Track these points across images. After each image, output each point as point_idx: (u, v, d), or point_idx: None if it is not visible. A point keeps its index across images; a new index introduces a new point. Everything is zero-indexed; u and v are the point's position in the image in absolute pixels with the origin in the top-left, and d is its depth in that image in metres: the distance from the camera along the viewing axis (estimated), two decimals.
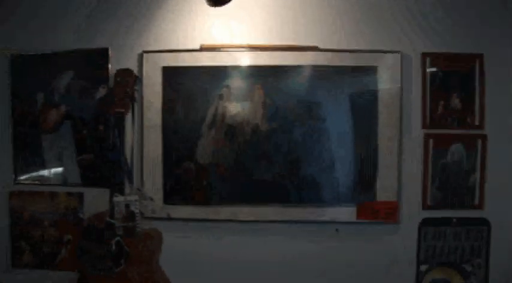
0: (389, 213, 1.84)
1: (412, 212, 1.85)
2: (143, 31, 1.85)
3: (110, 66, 1.83)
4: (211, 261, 1.86)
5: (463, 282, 1.85)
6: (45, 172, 1.89)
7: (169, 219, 1.82)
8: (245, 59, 1.81)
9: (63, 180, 1.88)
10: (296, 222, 1.84)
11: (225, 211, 1.82)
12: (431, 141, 1.85)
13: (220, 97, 1.81)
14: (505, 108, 1.84)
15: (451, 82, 1.84)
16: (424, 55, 1.83)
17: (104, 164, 1.82)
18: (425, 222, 1.86)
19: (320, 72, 1.81)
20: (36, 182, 1.89)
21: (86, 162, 1.86)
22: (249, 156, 1.81)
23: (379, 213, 1.84)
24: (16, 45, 1.88)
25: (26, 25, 1.89)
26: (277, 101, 1.80)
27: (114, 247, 1.74)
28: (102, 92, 1.84)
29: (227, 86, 1.81)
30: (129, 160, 1.81)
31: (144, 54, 1.82)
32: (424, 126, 1.85)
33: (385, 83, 1.81)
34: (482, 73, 1.82)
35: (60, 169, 1.88)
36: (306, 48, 1.81)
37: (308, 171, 1.83)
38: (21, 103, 1.88)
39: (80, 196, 1.87)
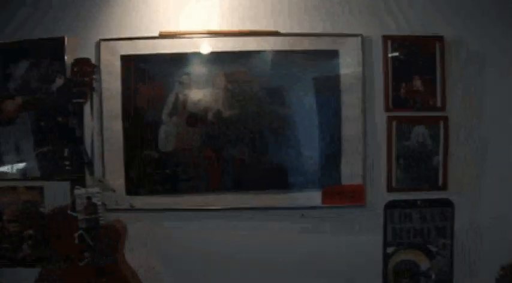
0: (355, 197, 1.84)
1: (378, 195, 1.86)
2: (100, 19, 1.81)
3: (66, 55, 1.78)
4: (179, 251, 1.85)
5: (428, 262, 1.88)
6: (2, 166, 1.83)
7: (133, 209, 1.79)
8: (205, 45, 1.78)
9: (21, 173, 1.82)
10: (263, 208, 1.83)
11: (189, 200, 1.80)
12: (394, 123, 1.86)
13: (181, 84, 1.78)
14: (466, 90, 1.86)
15: (413, 64, 1.85)
16: (385, 38, 1.83)
17: (64, 156, 1.78)
18: (390, 205, 1.88)
19: (282, 57, 1.79)
20: None
21: (45, 155, 1.81)
22: (213, 143, 1.79)
23: (344, 197, 1.84)
24: None
25: None
26: (239, 87, 1.79)
27: (77, 240, 1.71)
28: (59, 82, 1.78)
29: (188, 73, 1.78)
30: (89, 151, 1.77)
31: (102, 43, 1.78)
32: (387, 109, 1.85)
33: (347, 66, 1.81)
34: (442, 55, 1.84)
35: (18, 162, 1.82)
36: (266, 33, 1.79)
37: (273, 157, 1.83)
38: None
39: (41, 190, 1.81)
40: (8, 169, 1.83)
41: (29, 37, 1.79)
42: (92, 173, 1.75)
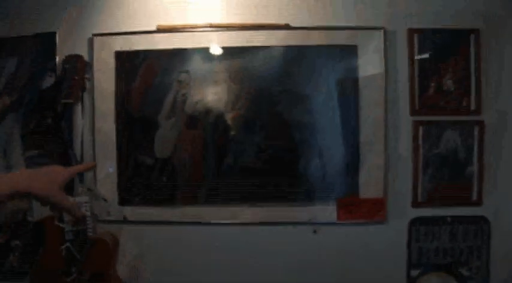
0: (375, 212, 1.62)
1: (401, 210, 1.64)
2: (93, 12, 1.66)
3: (57, 52, 1.64)
4: (176, 266, 1.67)
5: None
6: None
7: (126, 221, 1.63)
8: (207, 40, 1.60)
9: None
10: (271, 223, 1.64)
11: (187, 212, 1.62)
12: (421, 128, 1.63)
13: (180, 83, 1.60)
14: (505, 90, 1.62)
15: (443, 61, 1.61)
16: (411, 31, 1.61)
17: (53, 161, 1.63)
18: (415, 221, 1.64)
19: (292, 53, 1.60)
20: None
21: (33, 159, 1.66)
22: (214, 150, 1.60)
23: (362, 212, 1.62)
24: None
25: None
26: (243, 86, 1.60)
27: (64, 253, 1.56)
28: (49, 80, 1.64)
29: (187, 71, 1.61)
30: (78, 156, 1.62)
31: (95, 38, 1.63)
32: (412, 112, 1.63)
33: (367, 63, 1.59)
34: (478, 51, 1.60)
35: (5, 168, 1.69)
36: (275, 26, 1.60)
37: (282, 165, 1.62)
38: None
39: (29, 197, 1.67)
40: None
41: (17, 33, 1.66)
42: (81, 180, 1.60)
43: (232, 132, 1.60)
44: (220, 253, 1.65)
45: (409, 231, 1.65)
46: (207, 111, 1.60)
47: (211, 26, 1.61)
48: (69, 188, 1.57)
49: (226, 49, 1.60)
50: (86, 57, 1.64)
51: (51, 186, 1.03)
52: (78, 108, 1.63)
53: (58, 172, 1.05)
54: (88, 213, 1.55)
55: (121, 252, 1.63)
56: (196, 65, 1.60)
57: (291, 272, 1.64)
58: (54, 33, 1.65)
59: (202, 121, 1.60)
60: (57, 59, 1.64)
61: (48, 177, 1.04)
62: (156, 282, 1.67)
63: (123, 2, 1.65)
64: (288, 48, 1.60)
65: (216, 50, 1.61)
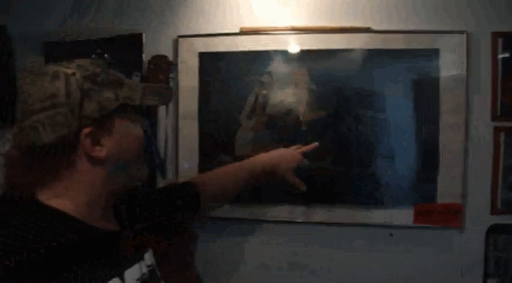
0: (452, 217, 1.61)
1: (479, 217, 1.61)
2: (179, 15, 1.72)
3: (144, 52, 1.72)
4: (246, 264, 1.72)
5: None
6: None
7: (208, 218, 1.67)
8: (289, 43, 1.64)
9: None
10: (345, 224, 1.65)
11: (270, 212, 1.67)
12: (502, 135, 1.60)
13: (262, 84, 1.65)
14: None
15: None
16: (495, 35, 1.59)
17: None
18: (494, 229, 1.62)
19: (373, 56, 1.61)
20: None
21: None
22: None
23: (439, 217, 1.61)
24: (47, 32, 1.81)
25: (56, 11, 1.80)
26: (324, 88, 1.62)
27: None
28: (135, 80, 1.72)
29: (269, 72, 1.65)
30: (161, 153, 1.68)
31: (180, 39, 1.70)
32: (494, 118, 1.60)
33: (449, 67, 1.58)
34: None
35: None
36: (357, 29, 1.62)
37: (360, 168, 1.63)
38: None
39: None
40: None
41: (107, 34, 1.75)
42: (164, 176, 1.67)
43: (311, 133, 1.62)
44: (300, 251, 1.69)
45: (487, 239, 1.62)
46: (288, 112, 1.63)
47: (293, 29, 1.64)
48: (152, 183, 1.65)
49: (307, 52, 1.63)
50: (171, 58, 1.71)
51: (289, 167, 1.44)
52: (163, 107, 1.70)
53: (294, 156, 1.47)
54: None
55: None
56: (277, 66, 1.64)
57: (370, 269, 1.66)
58: (141, 34, 1.73)
59: (282, 122, 1.63)
60: (143, 59, 1.72)
61: (287, 160, 1.44)
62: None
63: (206, 5, 1.71)
64: (369, 51, 1.61)
65: (297, 53, 1.64)
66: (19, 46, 1.00)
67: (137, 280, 0.88)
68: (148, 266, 0.95)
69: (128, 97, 0.89)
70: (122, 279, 0.84)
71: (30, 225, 0.76)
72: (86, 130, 0.83)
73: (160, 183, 1.66)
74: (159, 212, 1.18)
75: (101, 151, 0.85)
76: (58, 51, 1.79)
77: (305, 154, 1.54)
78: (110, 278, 0.81)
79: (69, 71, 0.84)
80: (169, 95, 1.00)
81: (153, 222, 1.14)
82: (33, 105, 0.81)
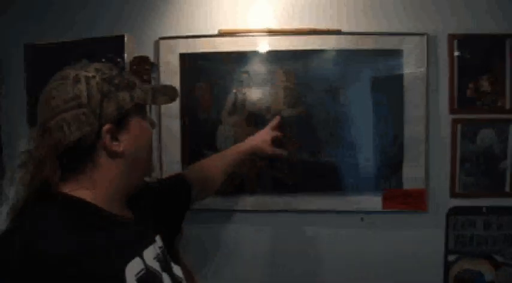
0: (417, 202, 1.77)
1: (440, 200, 1.79)
2: (160, 17, 1.80)
3: (125, 54, 1.78)
4: (229, 252, 1.83)
5: (494, 272, 1.78)
6: None
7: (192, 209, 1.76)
8: (265, 44, 1.75)
9: None
10: (318, 211, 1.79)
11: (242, 202, 1.78)
12: (459, 126, 1.78)
13: (240, 83, 1.75)
14: None
15: (480, 64, 1.76)
16: (451, 36, 1.76)
17: None
18: (454, 211, 1.80)
19: (343, 56, 1.74)
20: None
21: None
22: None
23: (406, 202, 1.77)
24: (29, 36, 1.83)
25: (39, 14, 1.83)
26: (299, 86, 1.75)
27: None
28: None
29: (247, 72, 1.75)
30: None
31: (161, 41, 1.77)
32: (451, 111, 1.78)
33: (411, 66, 1.74)
34: None
35: None
36: (328, 31, 1.74)
37: (331, 158, 1.77)
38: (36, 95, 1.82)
39: None
40: None
41: (88, 36, 1.79)
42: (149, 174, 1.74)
43: (289, 128, 1.74)
44: (272, 239, 1.81)
45: (447, 220, 1.80)
46: (267, 109, 1.74)
47: (269, 31, 1.75)
48: None
49: (283, 52, 1.74)
50: (152, 59, 1.78)
51: (265, 139, 1.66)
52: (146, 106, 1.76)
53: (264, 132, 1.68)
54: None
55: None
56: (255, 66, 1.74)
57: (342, 252, 1.82)
58: (122, 36, 1.78)
59: (262, 118, 1.74)
60: (125, 60, 1.78)
61: (261, 136, 1.66)
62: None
63: (186, 7, 1.79)
64: (339, 52, 1.74)
65: (273, 53, 1.75)
66: None
67: (154, 259, 0.98)
68: (160, 247, 1.04)
69: (141, 97, 0.99)
70: (142, 258, 0.94)
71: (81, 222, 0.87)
72: (107, 127, 0.91)
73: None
74: (158, 205, 1.23)
75: (119, 147, 0.94)
76: (38, 52, 1.82)
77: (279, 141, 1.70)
78: (132, 258, 0.91)
79: (90, 74, 0.92)
80: (175, 93, 1.10)
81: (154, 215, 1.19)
82: (58, 107, 0.89)
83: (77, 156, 0.91)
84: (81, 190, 0.91)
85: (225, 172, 1.55)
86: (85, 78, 0.91)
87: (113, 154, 0.94)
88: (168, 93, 1.08)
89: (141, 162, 1.01)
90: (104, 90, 0.92)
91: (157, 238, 1.06)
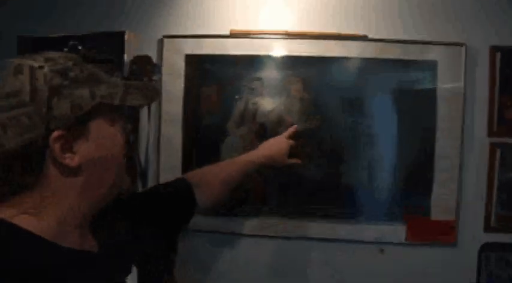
0: (445, 233, 1.55)
1: (473, 234, 1.56)
2: (165, 13, 1.62)
3: (125, 52, 1.60)
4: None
5: None
6: None
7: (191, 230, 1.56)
8: (282, 48, 1.55)
9: None
10: (330, 240, 1.57)
11: (245, 224, 1.58)
12: (498, 151, 1.56)
13: (252, 90, 1.56)
14: None
15: None
16: (494, 49, 1.55)
17: None
18: (487, 247, 1.57)
19: (368, 66, 1.54)
20: None
21: None
22: None
23: (433, 233, 1.56)
24: (25, 27, 1.67)
25: (37, 8, 1.67)
26: (316, 97, 1.55)
27: None
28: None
29: (259, 78, 1.56)
30: (143, 160, 1.57)
31: (165, 40, 1.58)
32: (490, 134, 1.56)
33: (446, 80, 1.53)
34: None
35: None
36: (353, 37, 1.55)
37: (349, 180, 1.56)
38: None
39: None
40: None
41: (86, 31, 1.62)
42: (144, 185, 1.55)
43: (303, 144, 1.54)
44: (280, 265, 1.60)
45: (479, 256, 1.57)
46: (279, 122, 1.55)
47: (287, 34, 1.56)
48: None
49: (301, 58, 1.54)
50: (155, 59, 1.61)
51: (283, 153, 1.44)
52: (145, 110, 1.58)
53: (281, 142, 1.46)
54: None
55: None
56: (269, 73, 1.55)
57: None
58: (123, 33, 1.61)
59: (274, 131, 1.54)
60: (125, 59, 1.60)
61: (278, 147, 1.44)
62: None
63: (194, 3, 1.61)
64: (364, 60, 1.54)
65: (290, 59, 1.55)
66: None
67: None
68: None
69: (106, 96, 0.77)
70: None
71: None
72: (56, 134, 0.71)
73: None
74: (150, 215, 1.02)
75: (72, 159, 0.74)
76: (34, 47, 1.65)
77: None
78: None
79: (36, 64, 0.72)
80: (154, 94, 0.88)
81: (141, 230, 0.97)
82: None
83: (20, 170, 0.71)
84: (25, 216, 0.71)
85: (226, 183, 1.30)
86: (29, 68, 0.71)
87: (66, 170, 0.73)
88: (145, 92, 0.85)
89: (105, 179, 0.80)
90: (54, 84, 0.71)
91: (130, 277, 0.84)
